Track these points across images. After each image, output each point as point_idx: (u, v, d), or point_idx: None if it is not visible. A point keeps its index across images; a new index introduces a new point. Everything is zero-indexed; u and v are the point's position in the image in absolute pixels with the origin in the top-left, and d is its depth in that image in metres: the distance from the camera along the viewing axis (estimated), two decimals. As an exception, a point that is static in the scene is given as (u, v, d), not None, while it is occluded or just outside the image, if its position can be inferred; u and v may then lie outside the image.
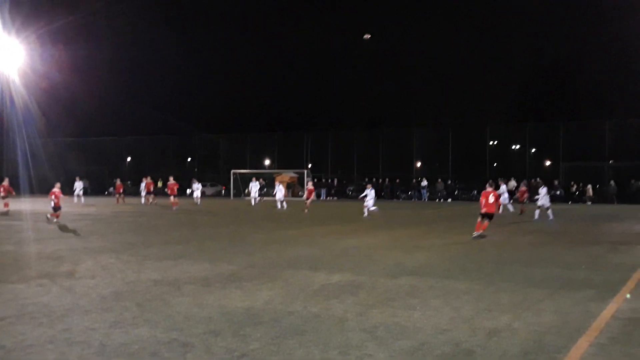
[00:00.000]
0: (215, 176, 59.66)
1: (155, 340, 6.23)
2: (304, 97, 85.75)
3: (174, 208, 30.85)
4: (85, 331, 6.59)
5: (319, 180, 52.96)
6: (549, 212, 24.66)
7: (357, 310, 7.65)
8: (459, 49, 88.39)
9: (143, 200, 37.47)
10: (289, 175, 51.66)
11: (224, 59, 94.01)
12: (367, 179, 42.60)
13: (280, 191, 32.34)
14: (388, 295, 8.58)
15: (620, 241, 16.40)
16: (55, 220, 21.40)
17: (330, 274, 10.41)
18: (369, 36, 35.77)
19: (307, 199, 29.91)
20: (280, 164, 56.69)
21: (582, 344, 6.14)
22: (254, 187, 35.92)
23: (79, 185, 37.98)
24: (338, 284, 9.49)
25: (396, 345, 6.11)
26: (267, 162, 61.58)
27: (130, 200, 40.52)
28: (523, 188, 28.82)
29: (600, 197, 43.74)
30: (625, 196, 42.30)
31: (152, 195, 36.89)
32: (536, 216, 24.86)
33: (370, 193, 26.45)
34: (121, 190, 38.84)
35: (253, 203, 33.85)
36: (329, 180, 53.78)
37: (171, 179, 33.67)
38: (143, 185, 37.79)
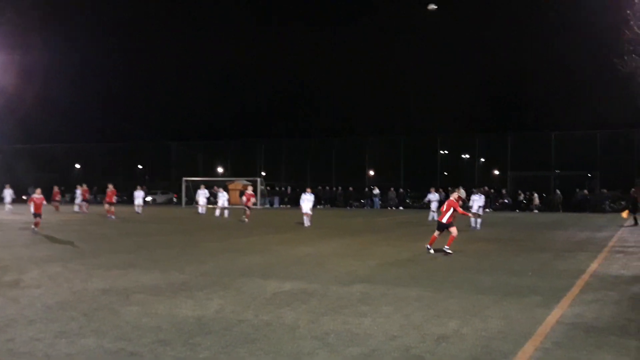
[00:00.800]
0: (166, 184, 58.83)
1: (102, 351, 6.10)
2: (258, 106, 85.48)
3: (111, 217, 29.66)
4: (30, 342, 6.40)
5: (272, 188, 52.84)
6: (478, 220, 24.19)
7: (309, 317, 7.65)
8: (411, 62, 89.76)
9: (76, 208, 36.49)
10: (241, 183, 51.36)
11: (177, 65, 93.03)
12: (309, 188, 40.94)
13: (221, 198, 31.70)
14: (340, 303, 8.60)
15: (565, 248, 16.87)
16: (35, 229, 20.46)
17: (283, 282, 10.38)
18: (435, 7, 32.32)
19: (247, 205, 27.47)
20: (234, 171, 56.33)
21: (528, 349, 6.28)
22: (202, 195, 34.64)
23: (9, 193, 36.50)
24: (290, 291, 9.48)
25: (347, 352, 6.13)
26: (220, 169, 61.08)
27: (63, 208, 39.20)
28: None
29: (547, 206, 44.97)
30: (570, 205, 43.60)
31: (86, 204, 36.07)
32: (472, 224, 24.36)
33: (306, 198, 25.22)
34: (57, 198, 37.77)
35: (200, 211, 32.46)
36: (283, 189, 53.72)
37: (110, 186, 32.25)
38: (78, 192, 36.76)
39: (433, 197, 29.96)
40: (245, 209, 27.20)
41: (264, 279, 10.73)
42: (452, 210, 15.30)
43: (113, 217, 29.50)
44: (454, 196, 15.60)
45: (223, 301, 8.67)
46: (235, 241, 18.48)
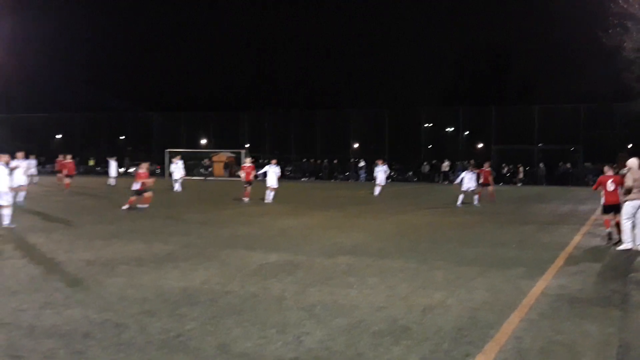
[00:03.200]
0: (149, 155, 58.35)
1: (87, 321, 6.07)
2: (241, 77, 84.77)
3: (66, 190, 27.27)
4: (14, 312, 6.36)
5: (256, 160, 52.68)
6: (475, 197, 22.84)
7: (295, 289, 7.68)
8: (396, 33, 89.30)
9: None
10: (225, 155, 51.15)
11: (159, 35, 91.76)
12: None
13: (178, 170, 30.52)
14: (325, 274, 8.64)
15: (548, 221, 17.06)
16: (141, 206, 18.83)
17: (268, 253, 10.40)
18: None
19: (248, 181, 23.30)
20: (217, 143, 55.98)
21: (514, 320, 6.36)
22: (177, 168, 32.29)
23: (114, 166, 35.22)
24: (276, 263, 9.50)
25: (334, 323, 6.17)
26: (203, 141, 60.65)
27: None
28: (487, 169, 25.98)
29: (530, 179, 45.34)
30: (554, 178, 44.03)
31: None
32: (459, 202, 22.47)
33: (271, 170, 23.19)
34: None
35: (176, 188, 30.61)
36: (267, 161, 53.59)
37: (69, 157, 30.30)
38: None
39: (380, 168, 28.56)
40: (245, 186, 23.40)
41: (249, 250, 10.74)
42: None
43: (66, 190, 27.36)
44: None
45: (208, 272, 8.67)
46: (218, 213, 18.43)
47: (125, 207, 18.53)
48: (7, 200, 13.61)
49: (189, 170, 39.06)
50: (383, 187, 28.10)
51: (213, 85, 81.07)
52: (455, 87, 70.13)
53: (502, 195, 28.80)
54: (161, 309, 6.60)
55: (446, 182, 44.45)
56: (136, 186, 18.85)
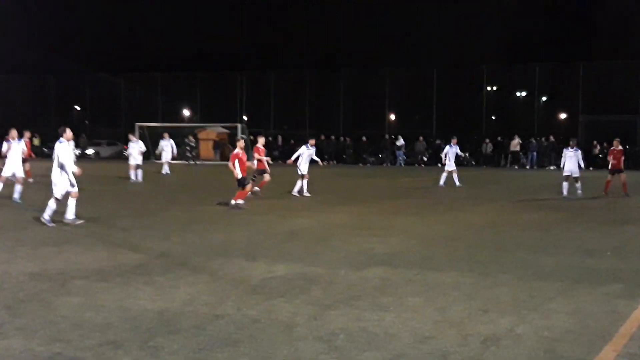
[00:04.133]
0: (114, 132, 58.75)
1: (31, 355, 6.13)
2: (236, 25, 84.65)
3: (30, 180, 25.91)
4: None
5: (256, 138, 52.75)
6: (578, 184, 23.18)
7: (310, 312, 7.69)
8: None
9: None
10: (216, 131, 51.30)
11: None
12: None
13: (166, 151, 30.84)
14: (351, 293, 8.63)
15: (656, 220, 16.91)
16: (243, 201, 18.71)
17: (274, 264, 10.41)
18: None
19: (261, 171, 22.64)
20: (205, 115, 56.19)
21: (608, 355, 6.31)
22: (165, 147, 33.30)
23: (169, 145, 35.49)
24: (284, 277, 9.51)
25: (362, 357, 6.16)
26: (186, 112, 60.89)
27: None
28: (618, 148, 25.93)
29: (633, 161, 44.88)
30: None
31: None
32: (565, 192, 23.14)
33: (306, 152, 23.04)
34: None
35: (164, 171, 31.46)
36: (271, 139, 53.66)
37: (26, 135, 29.79)
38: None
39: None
40: (256, 176, 22.85)
41: (249, 260, 10.76)
42: None
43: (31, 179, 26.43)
44: None
45: (193, 289, 8.70)
46: (208, 209, 18.48)
47: (238, 202, 18.34)
48: None
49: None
50: (425, 172, 27.93)
51: (199, 37, 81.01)
52: (529, 36, 69.53)
53: (593, 184, 28.53)
54: (129, 338, 6.63)
55: (516, 167, 44.32)
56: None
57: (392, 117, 56.43)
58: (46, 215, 14.39)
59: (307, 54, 73.81)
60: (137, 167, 29.57)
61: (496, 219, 16.84)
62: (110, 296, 8.35)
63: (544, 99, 54.00)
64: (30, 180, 25.83)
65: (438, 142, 49.40)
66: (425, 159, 48.26)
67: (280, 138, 53.43)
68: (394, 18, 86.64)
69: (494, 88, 55.22)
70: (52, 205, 14.38)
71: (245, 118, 56.01)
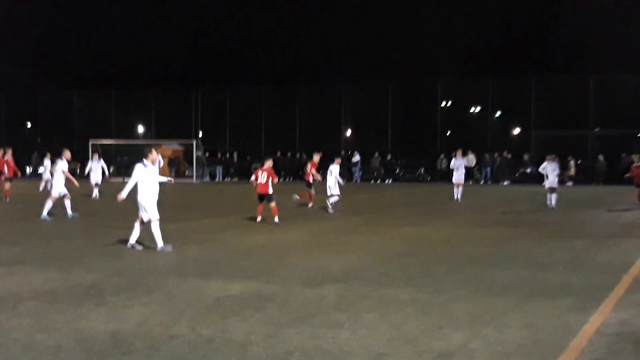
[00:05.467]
0: (69, 148, 57.91)
1: (-19, 380, 6.05)
2: (191, 40, 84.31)
3: (7, 199, 27.33)
4: None
5: (213, 155, 52.58)
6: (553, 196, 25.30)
7: (265, 331, 7.69)
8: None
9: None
10: (170, 147, 51.00)
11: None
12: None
13: (95, 173, 30.12)
14: (307, 310, 8.66)
15: (607, 234, 17.20)
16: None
17: (229, 282, 10.40)
18: None
19: (308, 181, 24.89)
20: (160, 132, 55.80)
21: (558, 368, 6.41)
22: (95, 168, 31.79)
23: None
24: (239, 296, 9.51)
25: (317, 376, 6.19)
26: (140, 129, 60.43)
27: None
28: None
29: (584, 176, 45.55)
30: (615, 175, 44.17)
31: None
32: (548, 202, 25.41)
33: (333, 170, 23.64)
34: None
35: (94, 195, 30.24)
36: (227, 155, 53.50)
37: (9, 152, 29.57)
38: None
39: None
40: (308, 189, 25.13)
41: (203, 279, 10.74)
42: None
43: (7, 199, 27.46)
44: None
45: (147, 309, 8.66)
46: (163, 227, 18.34)
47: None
48: None
49: (124, 169, 38.93)
50: (381, 188, 28.20)
51: (153, 52, 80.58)
52: (482, 51, 70.43)
53: (544, 199, 28.97)
54: (82, 361, 6.58)
55: (470, 182, 44.72)
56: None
57: (348, 133, 56.60)
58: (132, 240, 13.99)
59: (263, 69, 73.80)
60: (96, 185, 29.86)
61: (451, 235, 16.99)
62: (62, 318, 8.26)
63: (497, 114, 54.64)
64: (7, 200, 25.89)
65: (389, 157, 49.76)
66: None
67: (235, 155, 53.24)
68: (349, 33, 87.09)
69: (449, 103, 55.72)
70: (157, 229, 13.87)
71: (200, 134, 55.71)
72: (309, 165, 25.18)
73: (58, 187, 20.47)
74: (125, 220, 20.49)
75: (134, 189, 13.85)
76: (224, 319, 8.19)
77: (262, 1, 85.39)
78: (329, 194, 23.39)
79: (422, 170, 50.47)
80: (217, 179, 49.77)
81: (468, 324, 7.98)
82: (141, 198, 13.83)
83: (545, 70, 55.62)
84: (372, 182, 47.58)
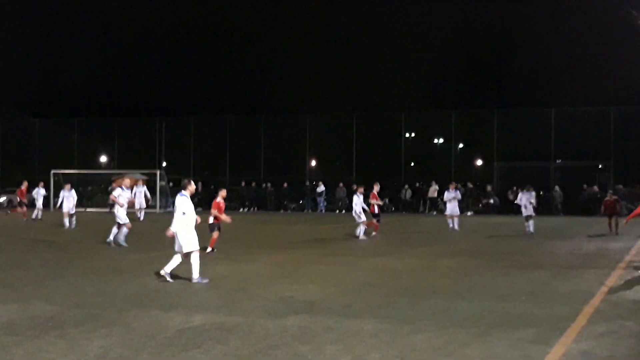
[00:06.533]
0: (27, 178, 57.20)
1: None
2: (155, 70, 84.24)
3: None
4: None
5: (177, 184, 52.26)
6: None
7: (227, 363, 7.63)
8: (367, 15, 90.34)
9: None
10: (134, 177, 50.67)
11: (42, 14, 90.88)
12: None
13: (67, 203, 30.43)
14: (269, 342, 8.61)
15: (569, 265, 17.35)
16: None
17: (191, 314, 10.32)
18: None
19: (373, 213, 25.95)
20: (123, 161, 55.42)
21: (520, 400, 6.43)
22: (66, 198, 31.80)
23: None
24: (201, 328, 9.43)
25: (279, 409, 6.15)
26: (103, 159, 60.00)
27: None
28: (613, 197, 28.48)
29: (546, 207, 46.00)
30: (576, 206, 44.71)
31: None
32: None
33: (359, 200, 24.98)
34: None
35: (67, 225, 30.37)
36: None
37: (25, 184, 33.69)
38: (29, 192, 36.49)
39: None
40: (375, 217, 26.18)
41: (165, 310, 10.64)
42: None
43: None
44: None
45: (107, 342, 8.56)
46: (124, 258, 18.23)
47: (208, 250, 18.97)
48: None
49: (87, 199, 38.83)
50: (346, 218, 28.35)
51: (117, 81, 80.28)
52: (446, 84, 71.29)
53: (507, 230, 29.22)
54: (40, 395, 6.47)
55: (434, 212, 44.96)
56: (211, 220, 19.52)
57: (313, 163, 56.71)
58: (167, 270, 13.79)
59: (228, 99, 73.93)
60: (71, 215, 30.23)
61: (415, 265, 17.04)
62: (20, 350, 8.14)
63: (460, 145, 55.16)
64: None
65: (354, 186, 49.86)
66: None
67: (200, 184, 52.97)
68: (315, 64, 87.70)
69: (412, 135, 56.15)
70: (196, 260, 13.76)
71: (164, 164, 55.43)
72: (373, 198, 26.17)
73: None
74: (90, 250, 20.32)
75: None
76: (186, 351, 8.12)
77: (227, 31, 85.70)
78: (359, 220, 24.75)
79: (387, 200, 50.63)
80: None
81: (430, 356, 7.99)
82: (180, 229, 13.81)
83: (507, 103, 56.44)
84: (337, 212, 47.63)
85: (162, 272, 13.76)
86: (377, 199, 26.20)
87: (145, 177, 50.53)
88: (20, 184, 36.54)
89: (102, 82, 79.92)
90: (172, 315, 10.22)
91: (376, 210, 26.16)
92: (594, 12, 62.03)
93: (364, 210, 24.83)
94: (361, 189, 25.53)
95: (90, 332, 9.11)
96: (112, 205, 46.17)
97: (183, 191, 14.21)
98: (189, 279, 13.65)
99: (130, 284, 13.44)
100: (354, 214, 25.00)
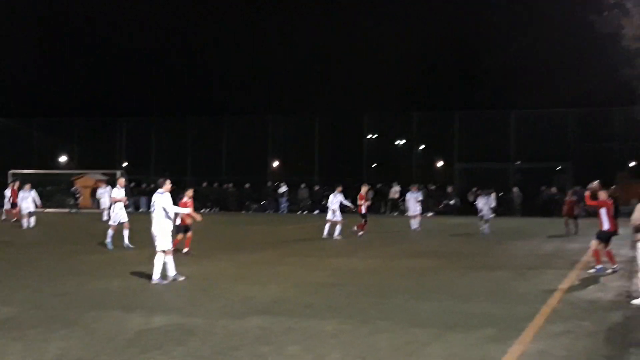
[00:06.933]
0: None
1: None
2: (115, 70, 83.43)
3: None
4: None
5: (138, 185, 51.90)
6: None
7: (188, 364, 7.60)
8: (331, 15, 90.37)
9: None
10: (94, 178, 50.18)
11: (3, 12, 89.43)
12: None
13: (26, 203, 30.44)
14: (230, 343, 8.60)
15: (527, 265, 17.53)
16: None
17: (151, 315, 10.27)
18: None
19: (364, 213, 27.09)
20: (83, 162, 54.84)
21: (478, 398, 6.49)
22: (25, 198, 32.09)
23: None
24: (162, 329, 9.39)
25: (240, 410, 6.13)
26: (63, 158, 59.31)
27: None
28: (572, 198, 28.75)
29: (506, 208, 46.45)
30: (534, 207, 45.17)
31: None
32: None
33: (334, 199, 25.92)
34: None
35: (26, 225, 30.40)
36: (152, 186, 52.83)
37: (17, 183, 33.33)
38: (8, 192, 35.43)
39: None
40: (363, 217, 27.16)
41: (125, 311, 10.57)
42: None
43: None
44: None
45: (66, 344, 8.48)
46: (84, 259, 18.07)
47: (185, 250, 18.98)
48: None
49: (46, 199, 38.42)
50: (308, 219, 28.50)
51: (77, 81, 79.36)
52: (408, 87, 71.61)
53: (467, 231, 29.45)
54: (-4, 398, 6.39)
55: (396, 213, 45.13)
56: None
57: (275, 163, 56.62)
58: (157, 276, 13.65)
59: (190, 99, 73.42)
60: (30, 214, 30.21)
61: (377, 266, 17.09)
62: (-24, 353, 8.03)
63: (422, 147, 55.44)
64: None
65: (317, 187, 49.96)
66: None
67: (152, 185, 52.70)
68: (277, 65, 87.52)
69: (374, 136, 56.30)
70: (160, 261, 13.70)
71: (125, 164, 54.96)
72: (358, 198, 27.31)
73: None
74: (49, 251, 20.08)
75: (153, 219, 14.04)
76: (145, 353, 8.07)
77: (188, 31, 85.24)
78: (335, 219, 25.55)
79: (349, 201, 50.66)
80: (140, 209, 49.09)
81: (391, 356, 8.03)
82: (156, 227, 13.85)
83: (468, 105, 56.78)
84: (299, 212, 47.62)
85: (170, 278, 13.78)
86: (364, 200, 27.08)
87: (105, 178, 50.16)
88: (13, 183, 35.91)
89: (62, 81, 78.97)
90: (132, 317, 10.15)
91: (363, 210, 26.96)
92: (553, 18, 62.59)
93: (341, 209, 25.71)
94: (340, 189, 26.45)
95: (49, 333, 9.02)
96: (73, 206, 46.00)
97: (160, 189, 14.22)
98: (149, 279, 13.59)
99: (90, 285, 13.31)
100: (329, 213, 25.63)
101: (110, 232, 20.55)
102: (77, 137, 56.96)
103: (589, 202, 16.21)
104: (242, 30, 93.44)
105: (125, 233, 20.77)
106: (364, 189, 27.71)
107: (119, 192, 21.53)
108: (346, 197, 27.02)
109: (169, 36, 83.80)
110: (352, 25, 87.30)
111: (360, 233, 26.35)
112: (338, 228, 25.40)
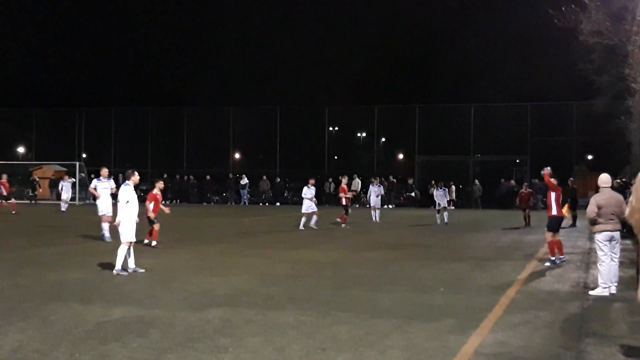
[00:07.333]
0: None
1: None
2: (75, 60, 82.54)
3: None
4: None
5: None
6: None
7: (147, 356, 7.57)
8: (292, 6, 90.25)
9: None
10: (52, 169, 49.63)
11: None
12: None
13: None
14: (190, 335, 8.55)
15: (486, 257, 17.73)
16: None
17: (110, 307, 10.18)
18: None
19: (345, 205, 27.84)
20: (41, 153, 54.18)
21: (437, 388, 6.53)
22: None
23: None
24: (120, 321, 9.31)
25: (199, 402, 6.10)
26: (20, 150, 58.54)
27: None
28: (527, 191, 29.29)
29: (465, 201, 46.90)
30: (493, 199, 45.68)
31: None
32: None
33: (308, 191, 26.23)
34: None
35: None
36: (112, 177, 52.32)
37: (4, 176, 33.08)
38: None
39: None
40: (345, 209, 27.84)
41: (84, 303, 10.47)
42: None
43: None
44: None
45: (23, 336, 8.38)
46: (42, 251, 17.86)
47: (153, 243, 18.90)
48: None
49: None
50: (269, 210, 28.55)
51: (35, 71, 78.39)
52: (369, 79, 71.84)
53: (427, 223, 29.67)
54: (-49, 391, 6.29)
55: (356, 205, 45.26)
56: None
57: (237, 155, 56.47)
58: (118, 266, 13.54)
59: (150, 90, 72.91)
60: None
61: (337, 258, 17.12)
62: None
63: (383, 139, 55.68)
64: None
65: (278, 179, 49.98)
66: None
67: (120, 177, 52.18)
68: (238, 56, 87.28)
69: (336, 128, 56.42)
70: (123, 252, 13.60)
71: (84, 156, 54.38)
72: (339, 190, 28.52)
73: None
74: (5, 243, 19.80)
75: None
76: (104, 345, 8.00)
77: (150, 22, 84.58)
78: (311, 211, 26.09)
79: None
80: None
81: (351, 347, 8.05)
82: (122, 218, 13.77)
83: (428, 99, 57.17)
84: (261, 204, 47.59)
85: (130, 270, 13.71)
86: (345, 192, 27.96)
87: (64, 169, 49.61)
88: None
89: (19, 71, 77.86)
90: (91, 309, 10.06)
91: (343, 202, 27.80)
92: (512, 12, 63.36)
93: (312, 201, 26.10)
94: (312, 181, 26.77)
95: (5, 325, 8.90)
96: (32, 197, 45.46)
97: (127, 181, 14.14)
98: (110, 270, 13.48)
99: (47, 277, 13.15)
100: (304, 205, 26.08)
101: (104, 224, 20.15)
102: (35, 128, 56.19)
103: (548, 180, 16.37)
104: (204, 20, 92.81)
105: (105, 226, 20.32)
106: (344, 181, 28.66)
107: (109, 183, 21.21)
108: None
109: (129, 26, 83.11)
110: (314, 18, 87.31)
111: (343, 225, 26.88)
112: (314, 218, 26.05)
